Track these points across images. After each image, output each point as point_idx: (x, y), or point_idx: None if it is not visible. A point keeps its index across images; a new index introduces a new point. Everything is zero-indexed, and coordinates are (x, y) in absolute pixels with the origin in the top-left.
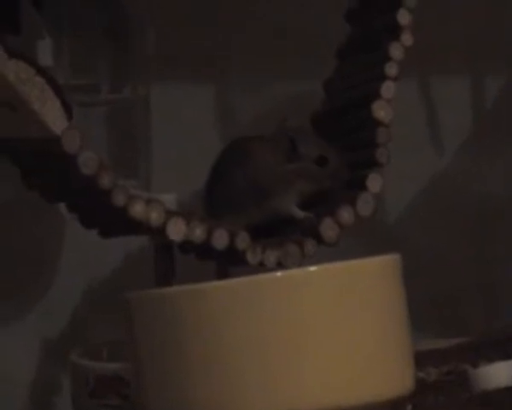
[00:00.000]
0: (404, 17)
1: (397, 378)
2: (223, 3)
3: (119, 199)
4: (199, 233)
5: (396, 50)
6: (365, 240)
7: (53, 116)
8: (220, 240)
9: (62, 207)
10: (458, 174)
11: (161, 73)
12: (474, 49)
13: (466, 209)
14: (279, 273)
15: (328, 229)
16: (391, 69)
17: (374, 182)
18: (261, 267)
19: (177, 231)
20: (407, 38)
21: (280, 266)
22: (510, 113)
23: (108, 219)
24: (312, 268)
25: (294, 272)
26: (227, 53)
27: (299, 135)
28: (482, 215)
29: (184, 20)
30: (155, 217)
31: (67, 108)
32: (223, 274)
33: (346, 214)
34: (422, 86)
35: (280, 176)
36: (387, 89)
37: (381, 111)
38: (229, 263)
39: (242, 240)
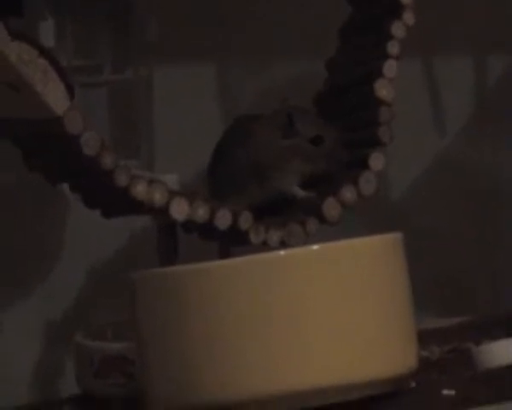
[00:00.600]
0: None
1: (399, 357)
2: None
3: (121, 179)
4: (202, 213)
5: (398, 29)
6: (368, 219)
7: (55, 97)
8: (223, 220)
9: (65, 188)
10: (460, 154)
11: (163, 55)
12: (477, 30)
13: (468, 189)
14: (282, 252)
15: (330, 208)
16: (393, 48)
17: (376, 161)
18: (264, 247)
19: (179, 210)
20: (409, 17)
21: (283, 245)
22: None
23: (111, 199)
24: (315, 247)
25: (297, 251)
26: (228, 34)
27: (297, 112)
28: (484, 195)
29: (186, 3)
30: (158, 197)
31: (70, 89)
32: (225, 253)
33: (348, 193)
34: (425, 66)
35: (277, 153)
36: (390, 68)
37: (383, 90)
38: (231, 243)
39: (245, 220)
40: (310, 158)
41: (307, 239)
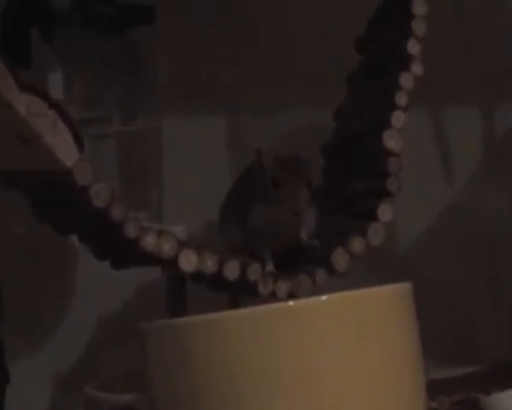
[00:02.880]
0: (413, 47)
1: (409, 408)
2: (236, 33)
3: (130, 231)
4: (210, 264)
5: (406, 80)
6: (376, 269)
7: (64, 149)
8: (232, 271)
9: (74, 239)
10: (469, 204)
11: (172, 105)
12: (485, 80)
13: (477, 238)
14: (291, 303)
15: (339, 258)
16: (401, 99)
17: (384, 212)
18: (272, 298)
19: (188, 262)
20: (417, 68)
21: (291, 296)
22: None
23: (120, 250)
24: (324, 297)
25: (306, 302)
26: (238, 86)
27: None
28: (492, 244)
29: (196, 52)
30: (167, 248)
31: (79, 140)
32: (234, 304)
33: (356, 244)
34: (433, 115)
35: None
36: (398, 118)
37: (391, 140)
38: (240, 293)
39: (254, 271)
40: (269, 199)
41: (316, 290)
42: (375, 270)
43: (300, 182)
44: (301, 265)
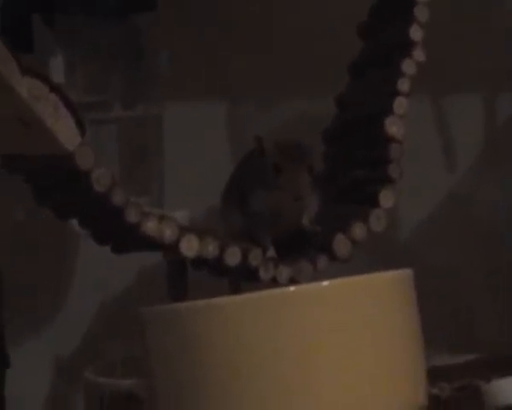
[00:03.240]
0: (416, 33)
1: (409, 394)
2: (237, 25)
3: (131, 216)
4: (211, 249)
5: (408, 66)
6: (378, 255)
7: (66, 133)
8: (233, 256)
9: (75, 223)
10: (470, 192)
11: (174, 91)
12: (487, 68)
13: (477, 226)
14: (292, 288)
15: (340, 245)
16: (403, 85)
17: (386, 198)
18: (274, 283)
19: (189, 247)
20: (419, 54)
21: (292, 282)
22: None
23: (121, 235)
24: (325, 283)
25: (307, 287)
26: (238, 72)
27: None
28: (492, 232)
29: (198, 41)
30: (168, 233)
31: (81, 125)
32: (235, 289)
33: (358, 230)
34: (435, 103)
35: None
36: (400, 105)
37: (393, 127)
38: (241, 279)
39: (255, 256)
40: (270, 185)
41: (317, 276)
42: (376, 256)
43: (302, 167)
44: (303, 251)
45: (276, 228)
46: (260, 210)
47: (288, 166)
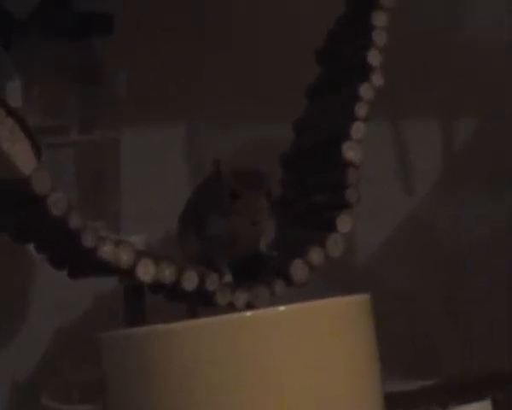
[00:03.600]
0: (374, 57)
1: None
2: (195, 46)
3: (88, 240)
4: (168, 274)
5: (366, 91)
6: (335, 280)
7: (22, 157)
8: (190, 281)
9: (31, 247)
10: (428, 216)
11: (131, 116)
12: (445, 93)
13: (435, 250)
14: (248, 313)
15: (297, 270)
16: (361, 110)
17: (343, 223)
18: (231, 308)
19: (146, 272)
20: (377, 79)
21: (249, 307)
22: (480, 157)
23: (78, 259)
24: (281, 308)
25: (264, 312)
26: (196, 96)
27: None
28: (451, 257)
29: (155, 64)
30: (125, 258)
31: (37, 149)
32: (192, 314)
33: (315, 255)
34: (393, 127)
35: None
36: (357, 129)
37: (350, 151)
38: (198, 304)
39: (212, 282)
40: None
41: (274, 301)
42: (333, 281)
43: (260, 192)
44: (260, 275)
45: (233, 253)
46: (217, 235)
47: (245, 192)
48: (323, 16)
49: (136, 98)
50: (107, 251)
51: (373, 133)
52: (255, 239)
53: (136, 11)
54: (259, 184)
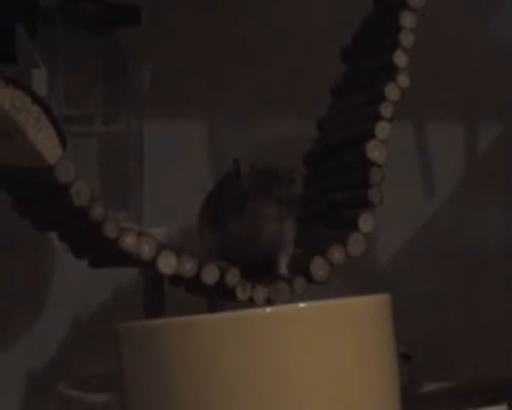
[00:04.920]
0: (400, 58)
1: None
2: (219, 42)
3: (110, 231)
4: (189, 268)
5: (392, 91)
6: (355, 279)
7: (47, 146)
8: (210, 275)
9: (53, 236)
10: (448, 219)
11: (155, 108)
12: (469, 96)
13: (455, 252)
14: (268, 309)
15: (318, 268)
16: (386, 110)
17: (365, 222)
18: (251, 303)
19: (167, 264)
20: (403, 80)
21: (269, 302)
22: (502, 162)
23: (99, 249)
24: (302, 305)
25: (284, 308)
26: (220, 90)
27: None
28: (469, 260)
29: (180, 58)
30: (146, 250)
31: (62, 138)
32: (213, 308)
33: (336, 254)
34: (417, 129)
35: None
36: (382, 129)
37: (375, 151)
38: (218, 298)
39: (232, 276)
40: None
41: (294, 297)
42: (351, 280)
43: (267, 201)
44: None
45: (250, 255)
46: (233, 236)
47: (256, 198)
48: (350, 13)
49: (160, 92)
50: (128, 242)
51: (396, 135)
52: (272, 243)
53: (163, 5)
54: (271, 189)
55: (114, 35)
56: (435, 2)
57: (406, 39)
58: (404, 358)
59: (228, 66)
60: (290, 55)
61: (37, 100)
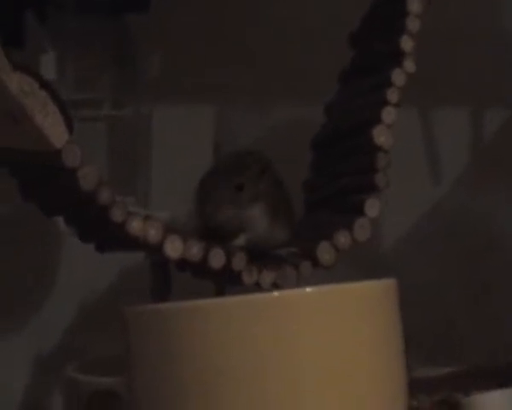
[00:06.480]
0: (407, 43)
1: (389, 404)
2: (226, 28)
3: (116, 215)
4: (196, 252)
5: (398, 76)
6: (362, 265)
7: (54, 130)
8: (217, 259)
9: (59, 220)
10: (454, 204)
11: (164, 93)
12: (476, 82)
13: (460, 239)
14: (276, 293)
15: (324, 252)
16: (392, 95)
17: (372, 207)
18: (258, 287)
19: (174, 248)
20: (410, 65)
21: (275, 287)
22: (509, 148)
23: (106, 234)
24: (308, 289)
25: (291, 293)
26: (228, 75)
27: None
28: (476, 246)
29: (189, 43)
30: (153, 234)
31: (69, 122)
32: (220, 292)
33: (342, 238)
34: (422, 115)
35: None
36: (388, 114)
37: (381, 136)
38: (225, 282)
39: (239, 260)
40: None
41: (300, 282)
42: (357, 265)
43: (224, 187)
44: (286, 256)
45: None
46: (202, 221)
47: (210, 185)
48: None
49: (168, 77)
50: (135, 226)
51: (402, 121)
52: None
53: None
54: (229, 177)
55: (123, 20)
56: None
57: (413, 24)
58: None
59: (237, 49)
60: (299, 40)
61: (44, 85)
